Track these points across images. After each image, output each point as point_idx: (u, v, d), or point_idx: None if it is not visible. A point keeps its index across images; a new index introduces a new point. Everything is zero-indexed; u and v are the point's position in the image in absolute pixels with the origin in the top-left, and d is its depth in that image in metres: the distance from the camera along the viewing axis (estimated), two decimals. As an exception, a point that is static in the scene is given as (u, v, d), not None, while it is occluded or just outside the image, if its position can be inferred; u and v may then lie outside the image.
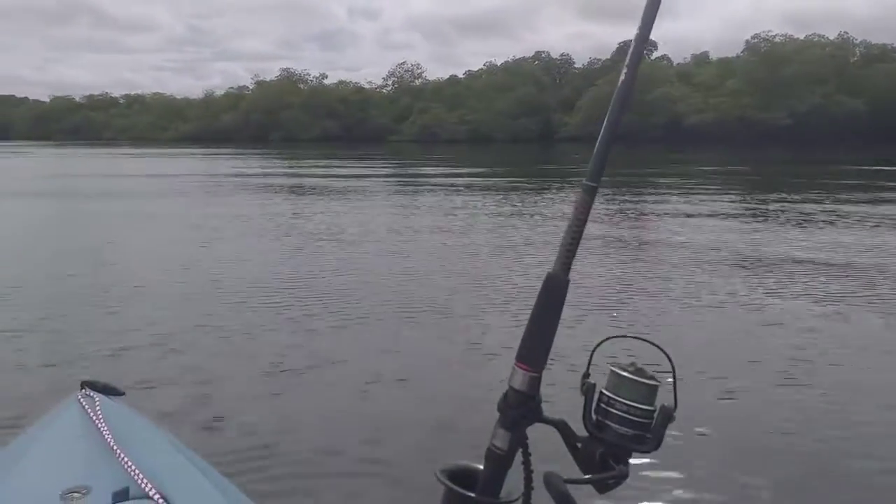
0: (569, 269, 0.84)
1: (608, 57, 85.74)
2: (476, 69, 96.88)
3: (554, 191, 16.80)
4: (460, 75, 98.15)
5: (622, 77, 0.86)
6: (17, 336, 4.94)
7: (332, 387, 4.07)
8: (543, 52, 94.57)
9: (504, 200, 14.10)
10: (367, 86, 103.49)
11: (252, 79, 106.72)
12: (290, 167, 28.49)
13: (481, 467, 0.87)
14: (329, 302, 5.94)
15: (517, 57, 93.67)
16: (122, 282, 6.64)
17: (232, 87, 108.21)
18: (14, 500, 1.08)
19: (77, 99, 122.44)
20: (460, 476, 0.87)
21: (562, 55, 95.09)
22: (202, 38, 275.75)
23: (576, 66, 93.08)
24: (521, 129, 78.36)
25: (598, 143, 0.85)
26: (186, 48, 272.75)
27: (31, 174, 25.86)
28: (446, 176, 22.58)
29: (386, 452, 3.21)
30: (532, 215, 11.60)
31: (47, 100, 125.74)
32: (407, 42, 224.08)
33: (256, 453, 3.14)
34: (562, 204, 13.31)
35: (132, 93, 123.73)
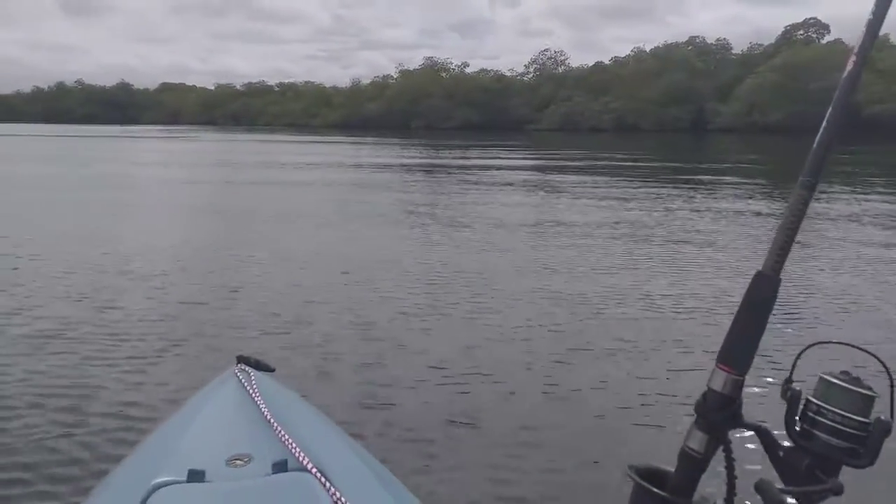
0: (780, 268, 0.80)
1: (771, 42, 78.99)
2: (623, 55, 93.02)
3: (724, 185, 15.05)
4: (606, 61, 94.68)
5: (849, 66, 0.78)
6: (191, 307, 5.12)
7: (497, 385, 3.76)
8: (698, 36, 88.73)
9: (679, 193, 12.71)
10: (508, 74, 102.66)
11: (396, 67, 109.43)
12: (433, 156, 28.29)
13: (671, 469, 0.85)
14: (492, 296, 5.52)
15: (668, 42, 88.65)
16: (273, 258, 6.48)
17: (377, 76, 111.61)
18: (184, 463, 1.14)
19: (238, 87, 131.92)
20: (648, 476, 0.84)
21: (718, 40, 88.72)
22: (348, 27, 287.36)
23: (733, 51, 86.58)
24: (669, 118, 74.16)
25: (818, 137, 0.80)
26: (334, 38, 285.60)
27: (217, 159, 27.36)
28: (611, 167, 21.25)
29: (543, 444, 3.06)
30: (703, 210, 10.19)
31: (212, 88, 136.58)
32: (547, 29, 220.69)
33: (404, 435, 3.09)
34: (730, 201, 11.72)
35: (286, 81, 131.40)
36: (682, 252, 7.46)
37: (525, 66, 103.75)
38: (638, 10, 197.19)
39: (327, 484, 1.07)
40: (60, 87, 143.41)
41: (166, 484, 1.09)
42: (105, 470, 2.18)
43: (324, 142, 42.73)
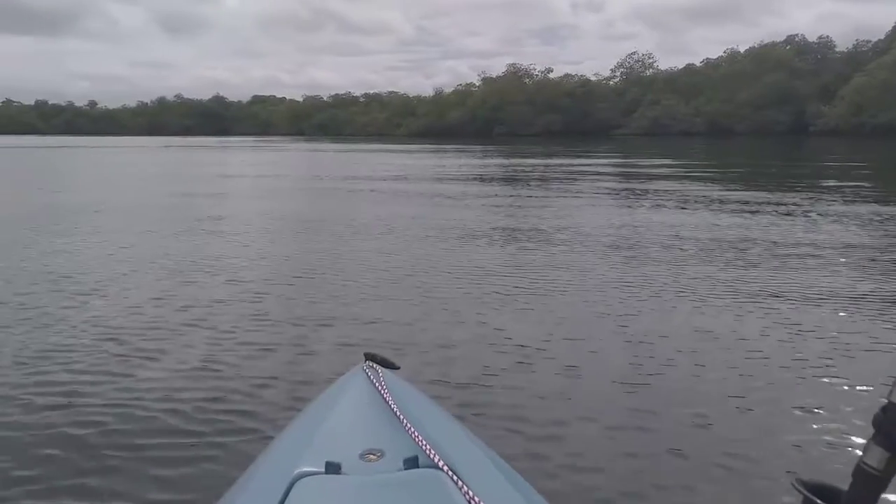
0: None
1: (881, 38, 73.69)
2: (715, 56, 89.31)
3: (834, 190, 13.67)
4: (697, 63, 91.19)
5: None
6: (316, 302, 5.18)
7: (634, 393, 3.43)
8: (797, 35, 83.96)
9: (788, 200, 11.58)
10: (593, 78, 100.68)
11: (479, 75, 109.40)
12: (515, 162, 27.67)
13: (842, 488, 0.81)
14: (605, 301, 5.07)
15: (764, 42, 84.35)
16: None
17: (460, 85, 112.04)
18: (321, 455, 1.19)
19: (325, 98, 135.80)
20: (818, 492, 0.81)
21: (820, 38, 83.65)
22: (430, 38, 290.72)
23: (837, 49, 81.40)
24: (767, 120, 70.61)
25: None
26: (417, 48, 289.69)
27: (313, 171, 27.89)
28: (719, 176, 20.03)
29: (688, 449, 2.79)
30: (822, 217, 9.07)
31: (301, 99, 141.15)
32: (631, 32, 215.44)
33: (528, 433, 2.93)
34: (848, 205, 10.47)
35: (371, 91, 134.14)
36: (823, 258, 6.57)
37: (611, 70, 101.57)
38: (726, 10, 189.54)
39: (459, 482, 1.09)
40: (161, 102, 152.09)
41: (306, 474, 1.15)
42: (246, 457, 2.31)
43: (407, 151, 42.92)
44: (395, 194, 14.37)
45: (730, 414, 3.13)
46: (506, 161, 28.77)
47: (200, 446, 2.84)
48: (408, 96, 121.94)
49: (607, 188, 15.40)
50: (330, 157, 36.17)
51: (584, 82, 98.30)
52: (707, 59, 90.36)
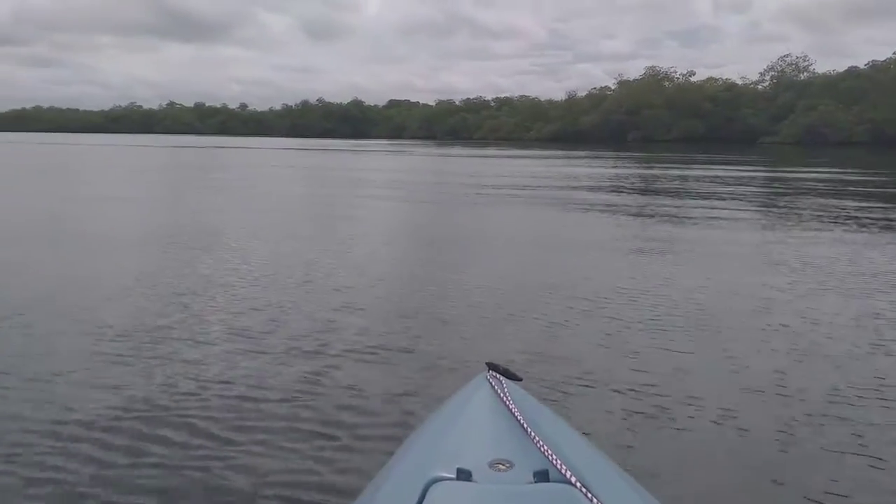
0: None
1: None
2: (882, 59, 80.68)
3: None
4: (861, 66, 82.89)
5: None
6: (439, 310, 5.17)
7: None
8: None
9: None
10: (739, 82, 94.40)
11: (615, 79, 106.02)
12: (653, 170, 26.00)
13: None
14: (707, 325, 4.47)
15: (945, 40, 74.88)
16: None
17: (594, 88, 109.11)
18: (452, 462, 1.21)
19: (457, 102, 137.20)
20: None
21: None
22: (562, 41, 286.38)
23: None
24: (945, 129, 62.58)
25: None
26: (549, 52, 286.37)
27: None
28: None
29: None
30: None
31: (433, 104, 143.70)
32: (780, 34, 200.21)
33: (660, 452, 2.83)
34: None
35: (501, 96, 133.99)
36: None
37: (760, 73, 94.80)
38: (891, 10, 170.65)
39: (593, 498, 1.08)
40: (305, 105, 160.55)
41: (439, 480, 1.17)
42: (377, 457, 2.50)
43: (539, 156, 42.05)
44: (529, 202, 13.70)
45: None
46: (645, 170, 27.19)
47: (333, 448, 2.92)
48: (539, 100, 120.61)
49: (777, 205, 13.84)
50: (461, 162, 36.05)
51: (730, 86, 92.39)
52: (873, 61, 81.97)
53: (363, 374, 3.81)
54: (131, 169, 26.59)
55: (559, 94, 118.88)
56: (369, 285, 6.13)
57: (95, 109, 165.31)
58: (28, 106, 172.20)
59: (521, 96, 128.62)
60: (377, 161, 36.99)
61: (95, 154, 41.54)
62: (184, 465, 2.78)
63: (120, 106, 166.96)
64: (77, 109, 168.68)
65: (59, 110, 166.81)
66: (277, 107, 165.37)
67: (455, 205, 14.21)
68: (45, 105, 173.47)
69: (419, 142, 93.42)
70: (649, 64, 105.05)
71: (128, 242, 8.64)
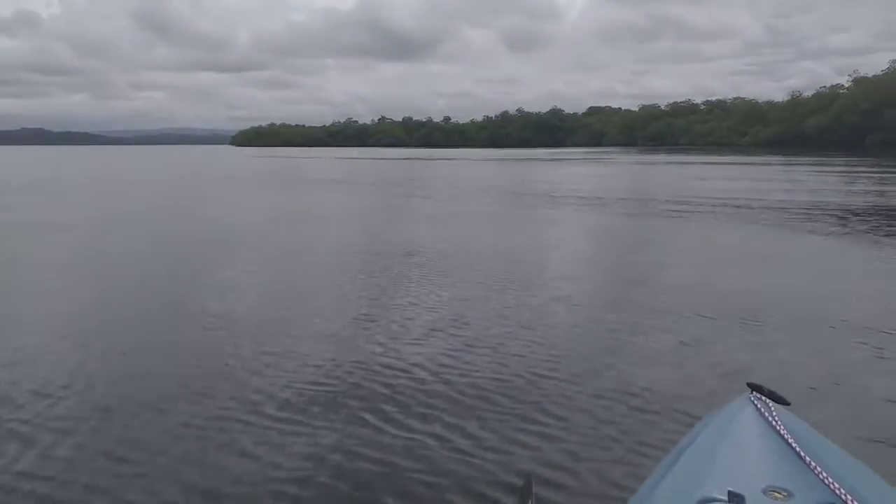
0: None
1: None
2: None
3: None
4: None
5: None
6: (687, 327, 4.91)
7: None
8: None
9: None
10: None
11: (849, 76, 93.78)
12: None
13: None
14: None
15: None
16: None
17: (822, 87, 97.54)
18: (723, 485, 1.18)
19: (662, 107, 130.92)
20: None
21: None
22: (782, 38, 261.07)
23: None
24: None
25: None
26: (766, 50, 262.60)
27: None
28: None
29: None
30: None
31: (636, 109, 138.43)
32: None
33: None
34: None
35: (712, 98, 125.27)
36: None
37: None
38: None
39: None
40: (504, 116, 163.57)
41: (710, 502, 1.14)
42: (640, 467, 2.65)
43: (752, 162, 38.08)
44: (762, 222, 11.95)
45: None
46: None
47: (605, 451, 2.93)
48: (756, 102, 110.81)
49: None
50: (669, 171, 33.70)
51: None
52: None
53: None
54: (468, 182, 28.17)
55: (778, 95, 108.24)
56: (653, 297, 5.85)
57: (318, 125, 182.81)
58: (264, 123, 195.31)
59: (736, 98, 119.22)
60: (590, 169, 35.79)
61: (360, 165, 45.15)
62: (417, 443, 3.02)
63: (339, 121, 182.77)
64: (303, 125, 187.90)
65: (289, 126, 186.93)
66: (479, 118, 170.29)
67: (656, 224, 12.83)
68: (278, 122, 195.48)
69: (619, 149, 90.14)
70: (892, 58, 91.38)
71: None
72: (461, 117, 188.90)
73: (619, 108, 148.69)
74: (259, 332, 4.71)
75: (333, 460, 2.84)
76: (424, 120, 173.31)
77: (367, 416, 3.27)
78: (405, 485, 2.67)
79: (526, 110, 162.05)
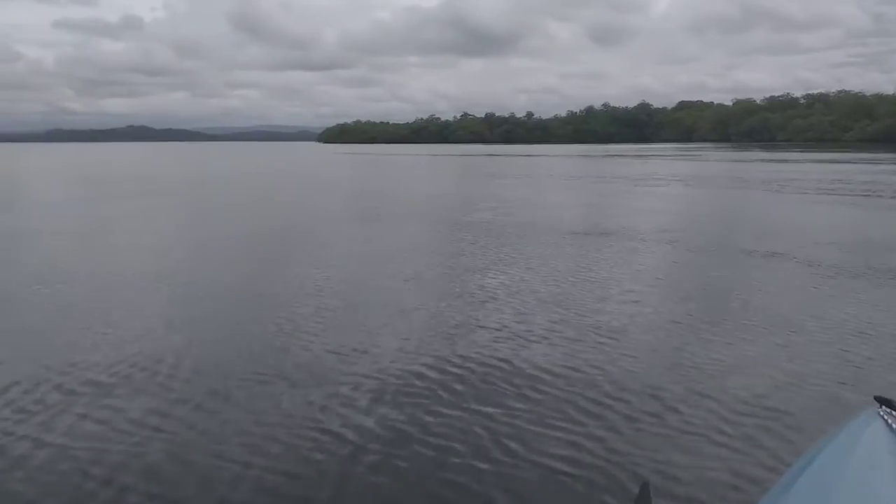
0: None
1: None
2: None
3: None
4: None
5: None
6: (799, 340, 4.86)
7: None
8: None
9: None
10: None
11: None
12: None
13: None
14: None
15: None
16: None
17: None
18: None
19: (757, 101, 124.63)
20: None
21: None
22: (890, 26, 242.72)
23: None
24: None
25: None
26: (870, 40, 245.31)
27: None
28: None
29: None
30: None
31: (729, 103, 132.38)
32: None
33: None
34: None
35: (813, 92, 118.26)
36: None
37: None
38: None
39: None
40: (589, 111, 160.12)
41: None
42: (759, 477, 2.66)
43: (858, 160, 35.59)
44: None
45: None
46: None
47: (730, 460, 2.93)
48: (863, 95, 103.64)
49: None
50: (769, 169, 31.97)
51: None
52: None
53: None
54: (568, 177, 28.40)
55: (888, 87, 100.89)
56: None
57: (401, 122, 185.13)
58: (349, 121, 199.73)
59: (840, 91, 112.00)
60: (696, 168, 34.50)
61: (455, 162, 45.58)
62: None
63: (421, 118, 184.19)
64: (387, 123, 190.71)
65: (373, 124, 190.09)
66: (563, 114, 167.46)
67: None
68: (363, 119, 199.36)
69: (711, 145, 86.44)
70: None
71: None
72: (544, 113, 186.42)
73: (711, 103, 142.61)
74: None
75: (446, 454, 3.06)
76: (507, 116, 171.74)
77: (489, 410, 3.53)
78: (513, 486, 2.80)
79: (612, 105, 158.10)
